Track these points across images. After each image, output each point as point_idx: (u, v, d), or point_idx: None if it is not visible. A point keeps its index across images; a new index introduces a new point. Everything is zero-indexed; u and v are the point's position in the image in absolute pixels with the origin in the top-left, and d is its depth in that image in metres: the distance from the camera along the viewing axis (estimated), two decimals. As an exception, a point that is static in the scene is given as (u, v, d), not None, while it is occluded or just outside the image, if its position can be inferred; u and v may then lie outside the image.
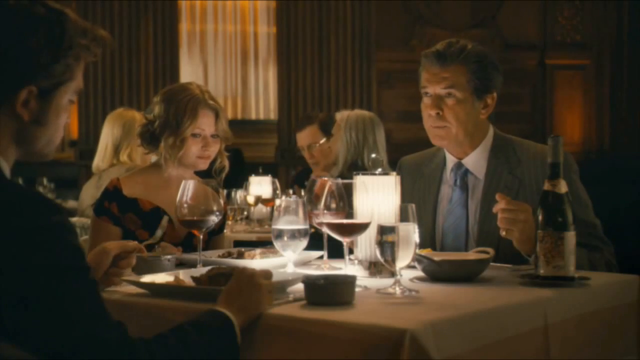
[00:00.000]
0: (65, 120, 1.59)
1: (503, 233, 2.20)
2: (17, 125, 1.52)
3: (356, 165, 4.06)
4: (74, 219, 4.04)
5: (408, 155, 2.77)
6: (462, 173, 2.55)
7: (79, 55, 1.54)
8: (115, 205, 2.66)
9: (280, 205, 2.14)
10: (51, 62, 1.50)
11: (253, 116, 9.13)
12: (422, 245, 2.48)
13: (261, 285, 1.71)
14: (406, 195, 2.58)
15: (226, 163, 2.83)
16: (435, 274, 2.05)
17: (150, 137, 2.73)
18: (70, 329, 1.41)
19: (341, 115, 4.35)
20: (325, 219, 2.05)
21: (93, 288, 1.47)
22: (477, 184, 2.53)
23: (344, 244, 2.07)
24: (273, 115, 8.96)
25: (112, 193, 2.68)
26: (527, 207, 2.18)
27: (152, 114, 2.72)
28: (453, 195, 2.55)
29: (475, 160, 2.54)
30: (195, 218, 2.22)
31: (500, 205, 2.19)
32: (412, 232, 1.83)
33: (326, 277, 1.76)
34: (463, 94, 2.46)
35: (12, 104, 1.49)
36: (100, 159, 4.23)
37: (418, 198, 2.60)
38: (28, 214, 1.41)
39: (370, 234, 2.01)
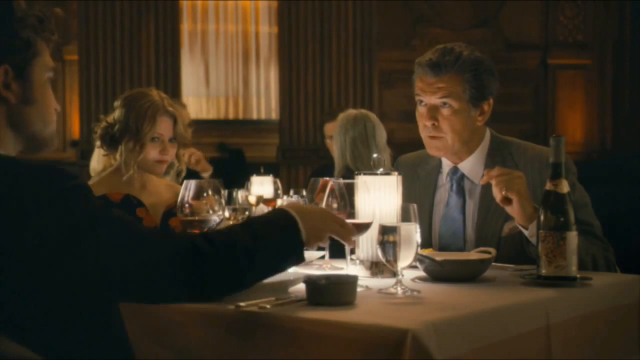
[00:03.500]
0: (54, 102, 1.64)
1: (500, 194, 2.19)
2: (6, 110, 1.56)
3: (349, 168, 4.07)
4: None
5: (406, 153, 2.76)
6: (458, 178, 2.54)
7: (36, 28, 1.58)
8: None
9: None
10: (9, 37, 1.54)
11: (254, 116, 9.13)
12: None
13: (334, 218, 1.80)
14: (403, 197, 2.58)
15: (184, 167, 3.06)
16: (437, 274, 2.05)
17: (110, 140, 2.89)
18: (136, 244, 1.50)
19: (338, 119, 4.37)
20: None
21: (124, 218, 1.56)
22: (474, 188, 2.51)
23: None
24: (274, 115, 8.96)
25: None
26: (519, 172, 2.23)
27: (113, 118, 2.88)
28: (449, 200, 2.53)
29: (472, 166, 2.52)
30: (196, 218, 2.22)
31: (493, 173, 2.21)
32: (413, 232, 1.83)
33: (328, 277, 1.76)
34: (459, 103, 2.42)
35: None
36: (95, 161, 4.25)
37: (414, 202, 2.58)
38: (50, 181, 1.46)
39: (372, 234, 2.01)
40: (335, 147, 4.26)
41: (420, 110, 2.48)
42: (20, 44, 1.55)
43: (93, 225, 1.46)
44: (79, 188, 1.50)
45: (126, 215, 1.56)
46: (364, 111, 4.36)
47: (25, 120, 1.58)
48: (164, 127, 2.83)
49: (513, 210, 2.21)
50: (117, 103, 2.89)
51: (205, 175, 4.75)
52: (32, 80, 1.57)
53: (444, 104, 2.42)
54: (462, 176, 2.53)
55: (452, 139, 2.44)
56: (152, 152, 2.82)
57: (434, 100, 2.43)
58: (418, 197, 2.56)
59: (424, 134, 2.49)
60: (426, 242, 2.51)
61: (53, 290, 1.44)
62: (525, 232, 2.23)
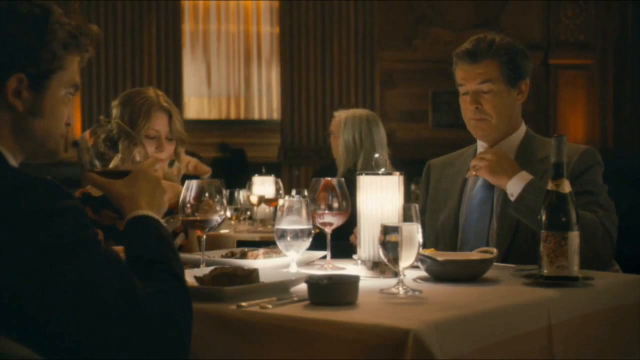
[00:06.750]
0: (67, 117, 1.61)
1: (473, 173, 2.46)
2: (12, 117, 1.53)
3: (354, 169, 4.02)
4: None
5: (434, 158, 2.86)
6: None
7: (66, 43, 1.56)
8: (89, 209, 2.74)
9: (283, 205, 2.14)
10: (35, 47, 1.52)
11: (256, 116, 9.14)
12: (445, 225, 2.60)
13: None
14: (432, 188, 2.75)
15: (183, 165, 3.01)
16: (439, 274, 2.05)
17: (111, 141, 2.84)
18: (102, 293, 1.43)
19: (339, 116, 4.34)
20: (327, 218, 2.05)
21: (112, 256, 1.50)
22: None
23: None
24: (276, 115, 8.97)
25: (82, 199, 2.77)
26: (497, 150, 2.49)
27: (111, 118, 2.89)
28: (480, 178, 2.61)
29: (506, 148, 2.61)
30: (198, 218, 2.22)
31: (472, 162, 2.46)
32: (415, 232, 1.83)
33: (329, 277, 1.76)
34: (498, 85, 2.58)
35: (4, 94, 1.51)
36: None
37: (446, 184, 2.71)
38: (41, 197, 1.43)
39: (374, 233, 2.01)
40: (341, 145, 4.17)
41: (464, 98, 2.63)
42: (45, 55, 1.53)
43: (73, 256, 1.43)
44: (72, 210, 1.47)
45: (111, 254, 1.51)
46: (371, 112, 4.34)
47: (30, 131, 1.56)
48: (159, 123, 2.82)
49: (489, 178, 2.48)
50: (114, 103, 2.90)
51: (206, 177, 4.76)
52: (46, 93, 1.55)
53: (485, 88, 2.58)
54: None
55: (496, 119, 2.59)
56: (147, 149, 2.81)
57: (475, 86, 2.58)
58: (451, 179, 2.70)
59: (468, 118, 2.63)
60: (453, 218, 2.63)
61: (50, 294, 1.43)
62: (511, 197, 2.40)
